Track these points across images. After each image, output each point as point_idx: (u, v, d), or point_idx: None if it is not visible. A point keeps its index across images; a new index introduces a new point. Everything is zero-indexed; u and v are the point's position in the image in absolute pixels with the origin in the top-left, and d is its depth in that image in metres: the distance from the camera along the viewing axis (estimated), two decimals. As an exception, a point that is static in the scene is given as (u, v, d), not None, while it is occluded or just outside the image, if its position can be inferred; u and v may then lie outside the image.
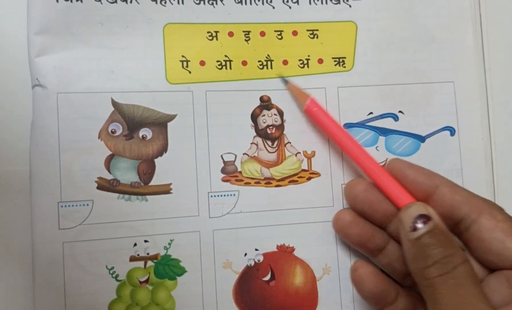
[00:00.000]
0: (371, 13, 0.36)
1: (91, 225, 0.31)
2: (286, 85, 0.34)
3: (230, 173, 0.33)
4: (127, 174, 0.32)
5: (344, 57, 0.35)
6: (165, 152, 0.33)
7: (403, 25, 0.36)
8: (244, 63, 0.34)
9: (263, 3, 0.35)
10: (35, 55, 0.31)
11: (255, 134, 0.34)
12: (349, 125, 0.35)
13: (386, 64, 0.35)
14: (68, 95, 0.32)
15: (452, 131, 0.36)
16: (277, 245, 0.33)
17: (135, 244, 0.32)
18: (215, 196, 0.33)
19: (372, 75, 0.35)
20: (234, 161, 0.33)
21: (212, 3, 0.34)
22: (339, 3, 0.35)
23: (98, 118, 0.32)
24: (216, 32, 0.34)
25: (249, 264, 0.33)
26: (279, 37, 0.35)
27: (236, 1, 0.34)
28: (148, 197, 0.32)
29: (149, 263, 0.32)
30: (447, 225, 0.28)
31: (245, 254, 0.33)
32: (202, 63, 0.34)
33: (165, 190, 0.32)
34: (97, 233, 0.31)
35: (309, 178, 0.34)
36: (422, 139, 0.35)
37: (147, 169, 0.32)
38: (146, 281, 0.32)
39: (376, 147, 0.34)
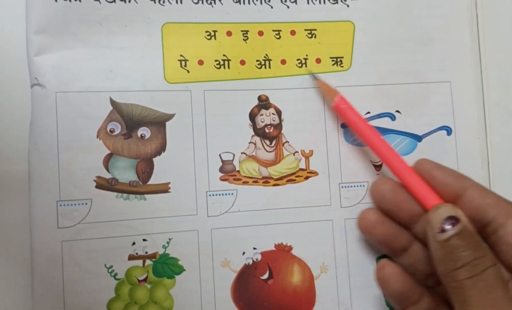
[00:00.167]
0: (368, 13, 0.36)
1: (90, 224, 0.31)
2: (315, 82, 0.34)
3: (228, 172, 0.33)
4: (125, 173, 0.32)
5: (342, 57, 0.35)
6: (164, 151, 0.33)
7: (401, 25, 0.36)
8: (242, 62, 0.34)
9: (261, 3, 0.35)
10: (34, 54, 0.31)
11: (253, 133, 0.34)
12: (346, 125, 0.35)
13: (383, 64, 0.36)
14: (66, 94, 0.32)
15: (448, 131, 0.36)
16: (275, 244, 0.33)
17: (133, 243, 0.32)
18: (213, 195, 0.33)
19: (369, 75, 0.35)
20: (232, 160, 0.33)
21: (211, 3, 0.34)
22: (337, 3, 0.36)
23: (96, 117, 0.32)
24: (215, 31, 0.34)
25: (247, 263, 0.33)
26: (277, 36, 0.35)
27: (234, 0, 0.34)
28: (146, 196, 0.32)
29: (148, 261, 0.32)
30: (474, 227, 0.28)
31: (243, 253, 0.33)
32: (201, 62, 0.34)
33: (163, 189, 0.32)
34: (96, 232, 0.31)
35: (307, 177, 0.34)
36: (419, 138, 0.36)
37: (145, 168, 0.32)
38: (145, 279, 0.32)
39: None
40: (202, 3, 0.34)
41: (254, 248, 0.33)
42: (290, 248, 0.34)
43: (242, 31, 0.34)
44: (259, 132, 0.34)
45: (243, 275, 0.33)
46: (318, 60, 0.35)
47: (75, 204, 0.31)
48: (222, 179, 0.33)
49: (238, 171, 0.33)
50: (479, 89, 0.37)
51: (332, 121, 0.35)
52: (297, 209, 0.34)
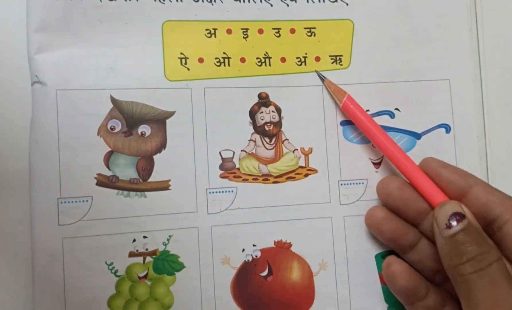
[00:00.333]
0: (368, 12, 0.36)
1: (90, 221, 0.31)
2: (322, 81, 0.34)
3: (228, 169, 0.33)
4: (126, 170, 0.32)
5: (341, 55, 0.35)
6: (164, 148, 0.33)
7: (400, 23, 0.36)
8: (243, 60, 0.34)
9: (261, 1, 0.35)
10: (35, 52, 0.32)
11: (253, 131, 0.34)
12: (346, 123, 0.35)
13: (382, 62, 0.36)
14: (67, 92, 0.32)
15: (447, 129, 0.36)
16: (275, 241, 0.34)
17: (134, 240, 0.32)
18: (213, 192, 0.33)
19: (368, 73, 0.36)
20: (232, 157, 0.34)
21: (211, 1, 0.34)
22: (336, 1, 0.36)
23: (97, 115, 0.32)
24: (215, 29, 0.34)
25: (247, 260, 0.33)
26: (277, 34, 0.35)
27: (234, -1, 0.35)
28: (147, 193, 0.32)
29: (148, 258, 0.32)
30: (480, 225, 0.28)
31: (243, 250, 0.33)
32: (201, 60, 0.34)
33: (163, 186, 0.33)
34: (96, 229, 0.31)
35: (306, 175, 0.34)
36: (418, 136, 0.36)
37: (146, 165, 0.33)
38: (145, 276, 0.32)
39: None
40: (202, 1, 0.34)
41: (254, 245, 0.33)
42: (290, 245, 0.34)
43: (242, 29, 0.34)
44: (259, 130, 0.34)
45: (243, 272, 0.33)
46: (318, 59, 0.35)
47: (75, 202, 0.31)
48: (222, 177, 0.33)
49: (238, 169, 0.34)
50: (478, 87, 0.37)
51: (331, 119, 0.35)
52: (297, 207, 0.34)
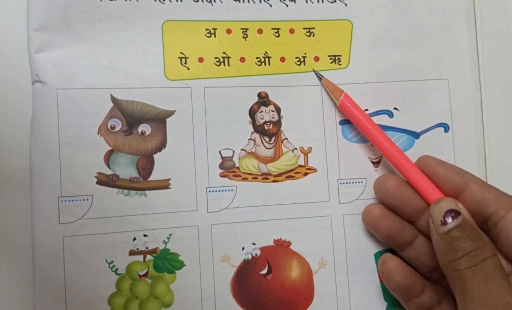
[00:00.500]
0: (366, 12, 0.36)
1: (91, 219, 0.32)
2: (320, 80, 0.35)
3: (228, 168, 0.34)
4: (126, 169, 0.32)
5: (340, 55, 0.36)
6: (164, 147, 0.33)
7: (398, 23, 0.36)
8: (242, 59, 0.34)
9: (260, 1, 0.35)
10: (35, 51, 0.32)
11: (252, 130, 0.34)
12: (345, 122, 0.35)
13: (381, 62, 0.36)
14: (67, 91, 0.32)
15: (446, 128, 0.36)
16: (274, 239, 0.34)
17: (134, 238, 0.32)
18: (213, 191, 0.33)
19: (367, 72, 0.36)
20: (232, 156, 0.34)
21: (210, 1, 0.34)
22: (335, 1, 0.36)
23: (97, 114, 0.32)
24: (214, 29, 0.34)
25: (247, 258, 0.33)
26: (276, 34, 0.35)
27: (234, -1, 0.35)
28: (147, 192, 0.32)
29: (148, 257, 0.32)
30: (476, 221, 0.29)
31: (243, 248, 0.33)
32: (201, 59, 0.34)
33: (164, 185, 0.33)
34: (96, 227, 0.32)
35: (305, 174, 0.34)
36: (416, 135, 0.36)
37: (146, 164, 0.33)
38: (145, 274, 0.32)
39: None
40: (202, 1, 0.34)
41: (254, 244, 0.33)
42: (289, 243, 0.34)
43: (241, 29, 0.35)
44: (259, 129, 0.34)
45: (243, 270, 0.33)
46: (317, 58, 0.35)
47: (76, 200, 0.32)
48: (222, 176, 0.33)
49: (238, 168, 0.34)
50: (476, 87, 0.37)
51: (330, 118, 0.35)
52: (296, 205, 0.34)
